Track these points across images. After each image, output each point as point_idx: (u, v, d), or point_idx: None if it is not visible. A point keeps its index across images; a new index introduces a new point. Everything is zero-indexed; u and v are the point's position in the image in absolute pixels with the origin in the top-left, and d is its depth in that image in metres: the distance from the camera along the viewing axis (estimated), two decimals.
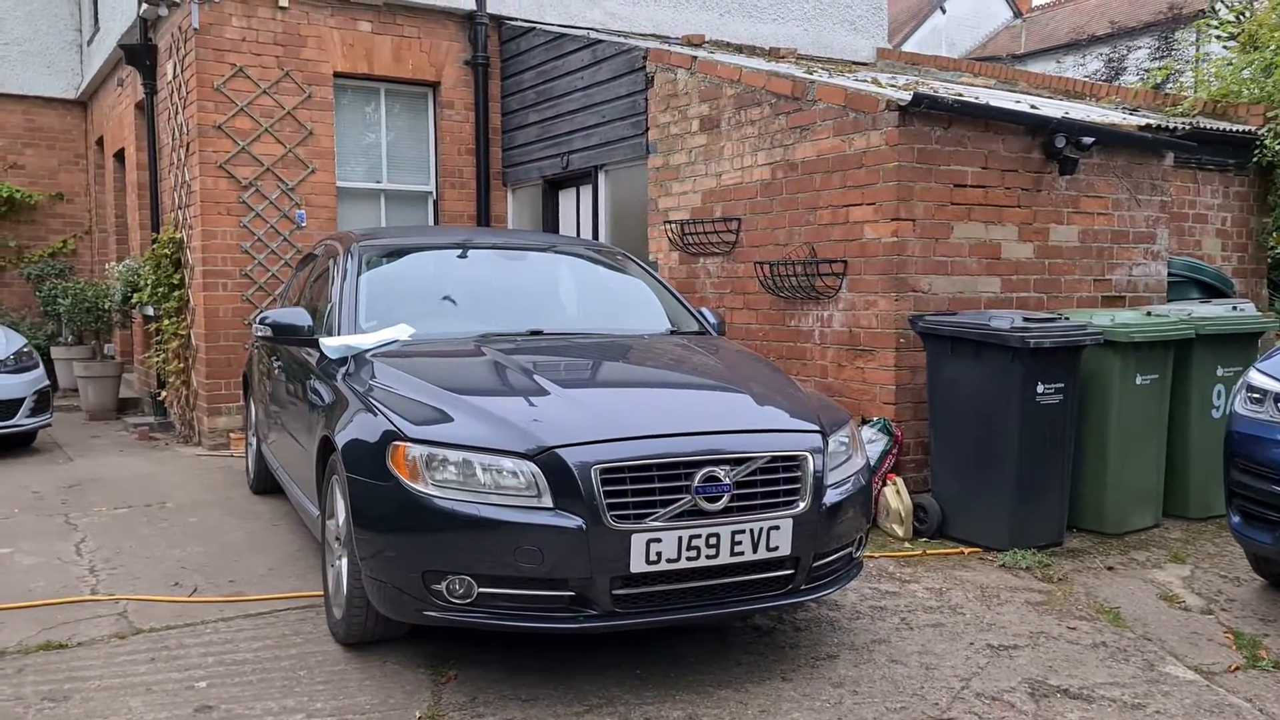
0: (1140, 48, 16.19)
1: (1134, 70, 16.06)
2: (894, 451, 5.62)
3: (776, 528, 3.50)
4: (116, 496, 6.65)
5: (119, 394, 10.54)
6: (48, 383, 8.55)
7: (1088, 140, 5.98)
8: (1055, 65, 17.70)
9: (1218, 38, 12.16)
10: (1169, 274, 6.77)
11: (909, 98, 5.55)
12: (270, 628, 4.18)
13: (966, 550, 5.26)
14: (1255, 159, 7.94)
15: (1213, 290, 7.12)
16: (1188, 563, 5.10)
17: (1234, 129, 7.93)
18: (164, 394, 9.19)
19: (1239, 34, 11.47)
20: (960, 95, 6.35)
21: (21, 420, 8.18)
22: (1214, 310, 5.84)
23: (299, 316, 4.73)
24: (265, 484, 6.40)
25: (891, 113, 5.61)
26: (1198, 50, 15.72)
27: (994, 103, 6.25)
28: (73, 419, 10.10)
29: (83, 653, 3.93)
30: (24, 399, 8.17)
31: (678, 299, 5.29)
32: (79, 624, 4.23)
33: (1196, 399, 5.74)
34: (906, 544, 5.39)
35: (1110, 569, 4.99)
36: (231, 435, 8.31)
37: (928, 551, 5.24)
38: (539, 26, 9.00)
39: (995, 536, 5.20)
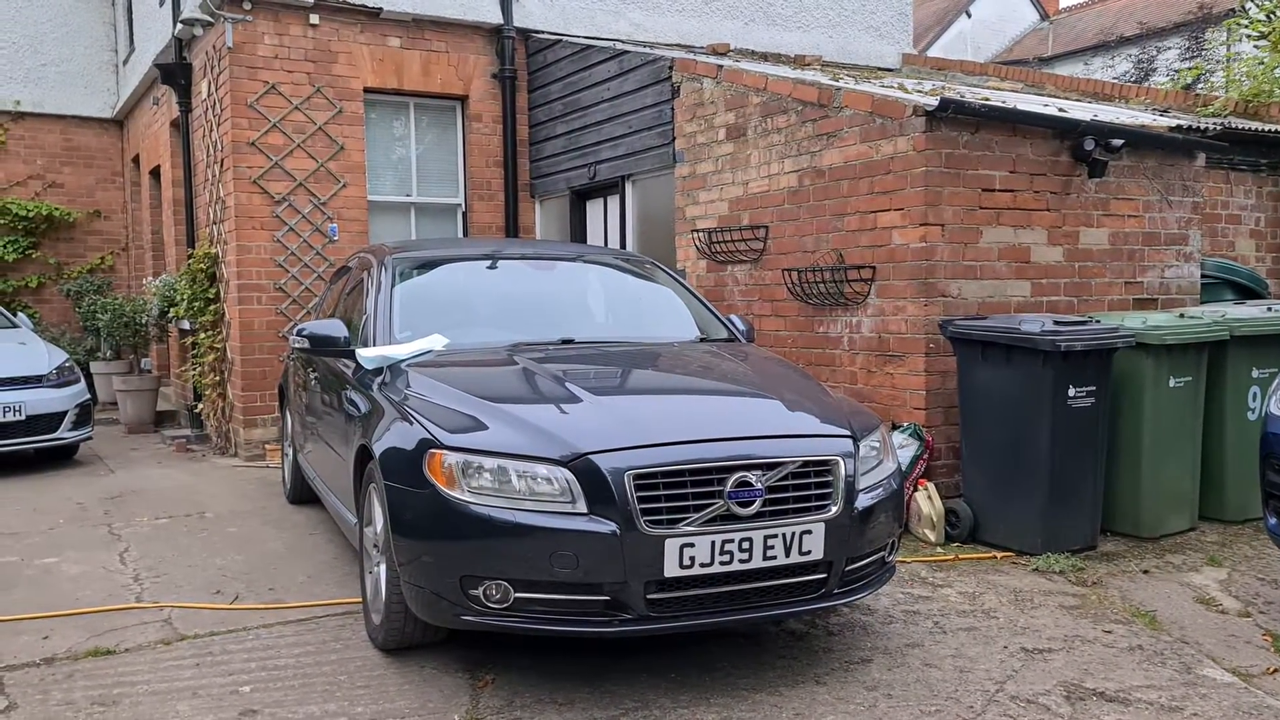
0: (1170, 48, 16.07)
1: (1164, 71, 15.94)
2: (925, 456, 5.62)
3: (809, 532, 3.53)
4: (157, 507, 6.77)
5: (156, 407, 10.71)
6: (89, 396, 8.72)
7: (1117, 142, 5.97)
8: (1083, 68, 17.60)
9: (1249, 37, 12.05)
10: (1202, 276, 6.73)
11: (936, 103, 5.57)
12: (311, 634, 4.25)
13: (999, 555, 5.25)
14: None
15: (1247, 292, 7.06)
16: (1224, 566, 5.07)
17: (1266, 129, 7.87)
18: (200, 406, 9.34)
19: (1269, 33, 11.37)
20: (987, 99, 6.35)
21: (64, 433, 8.34)
22: (1249, 312, 5.80)
23: (335, 328, 4.81)
24: (302, 494, 6.50)
25: (919, 118, 5.63)
26: (1228, 50, 15.58)
27: (1021, 106, 6.25)
28: (112, 432, 10.28)
29: (130, 658, 4.02)
30: (66, 412, 8.33)
31: (706, 306, 5.33)
32: (125, 631, 4.33)
33: (1231, 401, 5.70)
34: (939, 549, 5.39)
35: (1145, 572, 4.97)
36: (267, 446, 8.43)
37: (960, 556, 5.24)
38: (565, 39, 9.09)
39: (1028, 541, 5.19)
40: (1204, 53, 15.37)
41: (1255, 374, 5.74)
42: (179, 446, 9.29)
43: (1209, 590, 4.71)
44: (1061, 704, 3.53)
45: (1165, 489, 5.48)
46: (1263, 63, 9.91)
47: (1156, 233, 6.46)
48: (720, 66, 7.22)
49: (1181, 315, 5.67)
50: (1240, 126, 7.71)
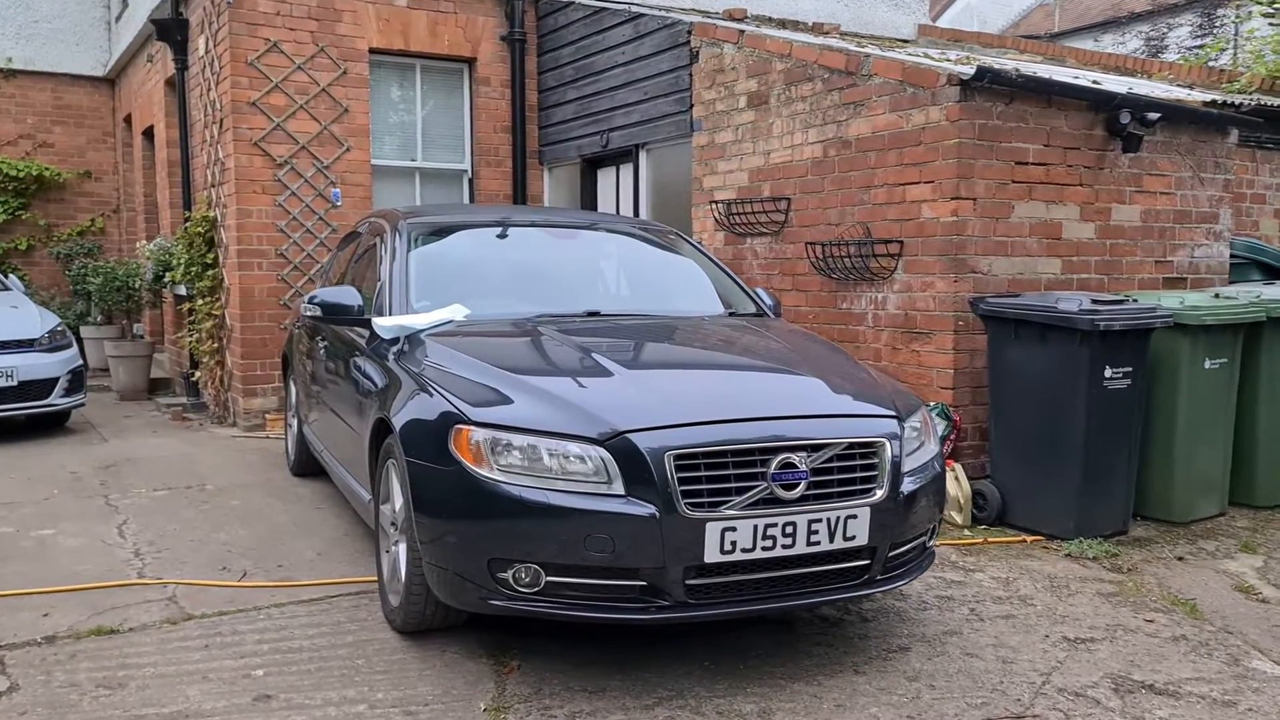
0: (1181, 25, 15.85)
1: (1175, 49, 15.73)
2: (952, 437, 5.47)
3: (854, 516, 3.37)
4: (155, 478, 6.58)
5: (150, 374, 10.49)
6: (81, 362, 8.49)
7: (1153, 116, 5.79)
8: (1093, 44, 17.35)
9: (1264, 14, 11.85)
10: (1230, 255, 6.57)
11: (972, 71, 5.37)
12: (324, 614, 4.08)
13: (1029, 538, 5.11)
14: None
15: (1274, 272, 6.91)
16: (1259, 553, 4.94)
17: None
18: (197, 374, 9.13)
19: None
20: (1018, 70, 6.15)
21: (56, 400, 8.12)
22: None
23: (349, 296, 4.61)
24: (306, 466, 6.32)
25: (953, 87, 5.43)
26: (1236, 28, 15.38)
27: (1056, 77, 6.05)
28: (103, 399, 10.06)
29: (135, 638, 3.84)
30: (58, 379, 8.10)
31: (734, 279, 5.15)
32: (129, 609, 4.15)
33: (1265, 383, 5.55)
34: (966, 531, 5.25)
35: (1180, 559, 4.83)
36: (268, 416, 8.23)
37: (989, 540, 5.10)
38: (577, 1, 8.82)
39: (1060, 525, 5.05)
40: (1216, 30, 15.17)
41: None
42: (175, 415, 9.08)
43: (1246, 578, 4.58)
44: (1111, 697, 3.39)
45: (1197, 473, 5.34)
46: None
47: (1188, 210, 6.29)
48: (742, 32, 6.99)
49: (1217, 295, 5.51)
50: (1270, 104, 7.53)
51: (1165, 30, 16.17)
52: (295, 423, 6.46)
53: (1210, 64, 11.97)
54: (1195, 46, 15.68)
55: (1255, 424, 5.59)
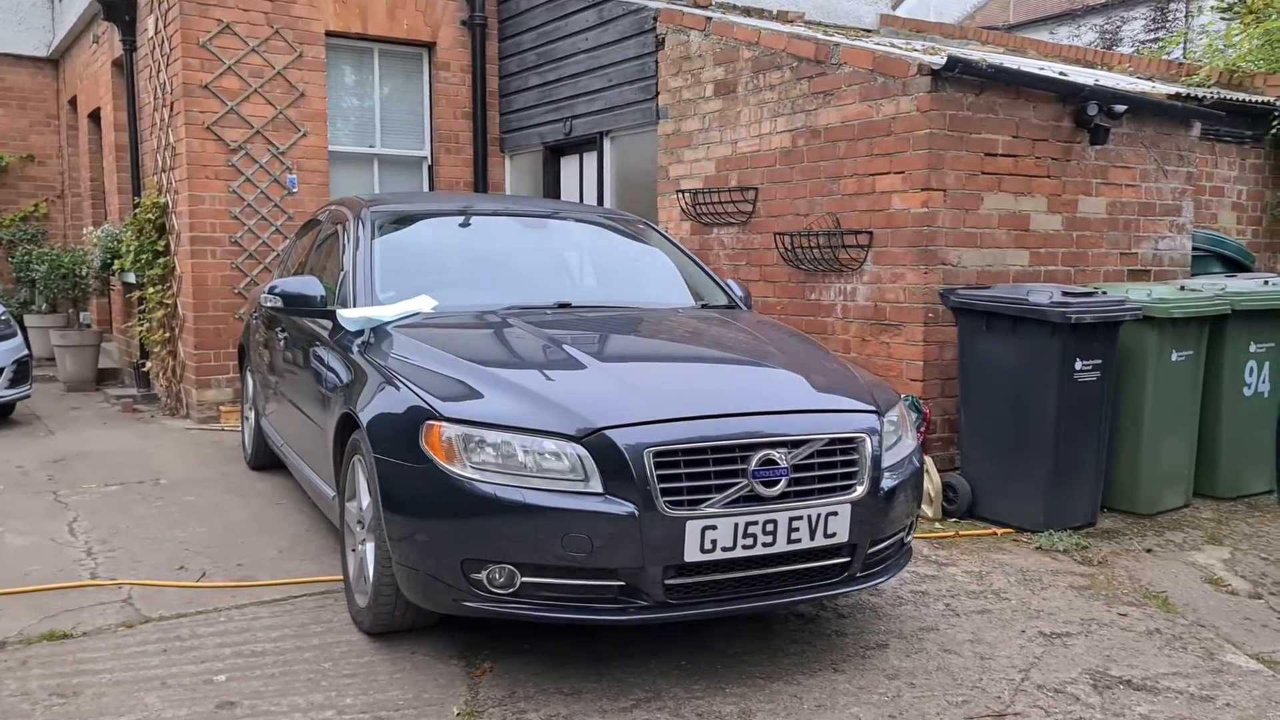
0: (1135, 19, 16.04)
1: (1129, 42, 15.92)
2: (922, 429, 5.45)
3: (835, 513, 3.31)
4: (106, 472, 6.37)
5: (98, 364, 10.18)
6: (27, 352, 8.21)
7: (1120, 108, 5.80)
8: (1048, 36, 17.50)
9: (1215, 8, 12.00)
10: (1192, 248, 6.63)
11: (943, 62, 5.33)
12: (288, 615, 3.95)
13: (999, 531, 5.11)
14: (1274, 131, 7.80)
15: (1234, 265, 6.98)
16: (1225, 544, 4.98)
17: (1253, 100, 7.78)
18: (148, 365, 8.87)
19: (1235, 4, 11.31)
20: (986, 60, 6.13)
21: (1, 391, 7.84)
22: (1248, 285, 5.69)
23: (312, 286, 4.46)
24: (264, 459, 6.15)
25: (924, 77, 5.39)
26: (1187, 22, 15.59)
27: (1024, 69, 6.04)
28: (49, 390, 9.75)
29: (89, 643, 3.69)
30: (3, 369, 7.83)
31: (705, 270, 5.07)
32: (82, 611, 3.99)
33: (1229, 376, 5.60)
34: (937, 524, 5.24)
35: (1149, 551, 4.85)
36: (222, 408, 8.02)
37: (960, 533, 5.09)
38: None
39: (1029, 517, 5.05)
40: (1170, 24, 15.37)
41: (1253, 348, 5.65)
42: (125, 407, 8.83)
43: (1215, 570, 4.61)
44: (1090, 693, 3.38)
45: (1164, 465, 5.37)
46: (1244, 32, 9.78)
47: (1152, 203, 6.32)
48: (709, 19, 6.91)
49: (1183, 288, 5.54)
50: (1229, 97, 7.60)
51: (1119, 24, 16.36)
52: (253, 415, 6.29)
53: (1166, 58, 12.12)
54: (1149, 40, 15.88)
55: (1219, 416, 5.63)
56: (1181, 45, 14.51)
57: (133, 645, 3.67)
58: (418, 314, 4.10)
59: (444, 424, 3.25)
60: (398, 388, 3.53)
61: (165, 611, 3.98)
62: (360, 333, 4.10)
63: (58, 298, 10.77)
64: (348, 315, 4.14)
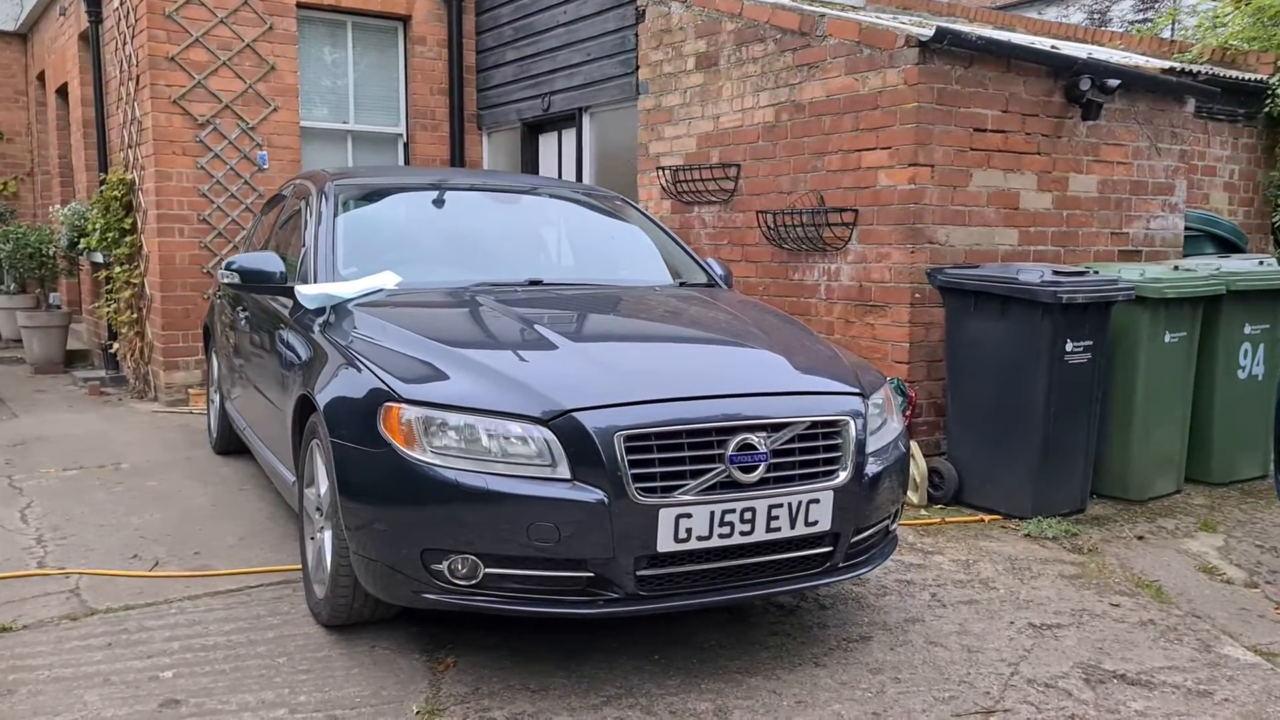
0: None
1: (1118, 23, 15.74)
2: (907, 413, 5.29)
3: (816, 501, 3.14)
4: (66, 457, 6.15)
5: (66, 346, 9.93)
6: None
7: (1113, 83, 5.63)
8: (1036, 15, 17.30)
9: None
10: (1185, 228, 6.48)
11: (930, 33, 5.15)
12: (243, 607, 3.76)
13: (987, 518, 4.96)
14: (1266, 109, 7.64)
15: (1227, 245, 6.84)
16: (1219, 531, 4.84)
17: (1245, 77, 7.62)
18: (116, 346, 8.63)
19: None
20: (976, 32, 5.94)
21: None
22: (1242, 265, 5.54)
23: (270, 262, 4.25)
24: (229, 444, 5.95)
25: (911, 49, 5.20)
26: (1175, 2, 15.40)
27: (1016, 41, 5.86)
28: (16, 372, 9.51)
29: (29, 637, 3.49)
30: None
31: (684, 248, 4.88)
32: (25, 603, 3.79)
33: (1223, 358, 5.45)
34: (923, 511, 5.08)
35: (1140, 538, 4.71)
36: (190, 391, 7.80)
37: (946, 520, 4.94)
38: None
39: (1018, 503, 4.90)
40: (1159, 4, 15.20)
41: (1248, 330, 5.50)
42: (92, 389, 8.59)
43: (1209, 558, 4.47)
44: (1083, 688, 3.22)
45: (1156, 450, 5.23)
46: (1236, 9, 9.60)
47: (1144, 181, 6.16)
48: None
49: (1176, 268, 5.39)
50: (1223, 74, 7.44)
51: (1108, 4, 16.18)
52: (217, 398, 6.09)
53: (1158, 36, 11.94)
54: (1138, 20, 15.69)
55: (1212, 399, 5.49)
56: (1171, 26, 14.35)
57: (75, 639, 3.47)
58: (380, 291, 3.90)
59: (403, 406, 3.07)
60: (358, 368, 3.34)
61: (113, 603, 3.79)
62: (321, 311, 3.91)
63: (25, 278, 10.50)
64: (306, 292, 3.95)
